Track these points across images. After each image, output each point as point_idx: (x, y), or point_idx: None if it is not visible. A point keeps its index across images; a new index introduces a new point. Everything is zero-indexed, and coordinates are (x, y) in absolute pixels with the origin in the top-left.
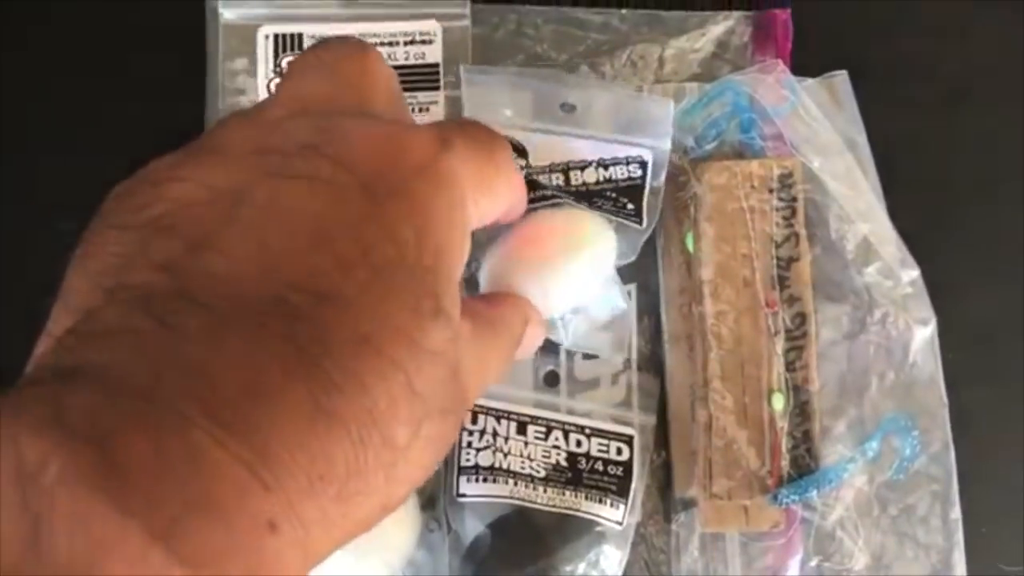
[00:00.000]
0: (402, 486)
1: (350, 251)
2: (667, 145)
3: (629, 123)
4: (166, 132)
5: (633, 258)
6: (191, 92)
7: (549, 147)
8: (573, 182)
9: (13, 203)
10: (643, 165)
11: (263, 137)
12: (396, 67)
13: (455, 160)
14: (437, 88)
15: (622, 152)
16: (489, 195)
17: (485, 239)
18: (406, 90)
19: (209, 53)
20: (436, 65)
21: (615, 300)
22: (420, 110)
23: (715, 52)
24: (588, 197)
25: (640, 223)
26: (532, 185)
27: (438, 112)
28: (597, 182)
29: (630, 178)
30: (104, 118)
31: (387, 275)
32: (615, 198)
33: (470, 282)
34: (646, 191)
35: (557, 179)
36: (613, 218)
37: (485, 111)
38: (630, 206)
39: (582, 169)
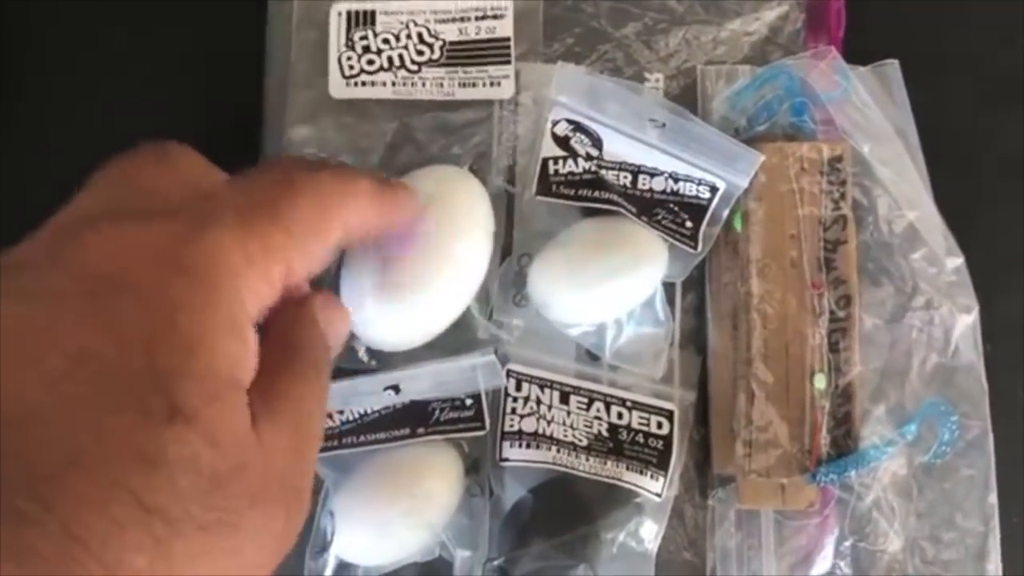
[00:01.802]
0: None
1: (57, 364)
2: (743, 183)
3: (712, 154)
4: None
5: (681, 279)
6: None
7: (625, 147)
8: (640, 186)
9: None
10: (714, 190)
11: (27, 254)
12: (467, 42)
13: (215, 235)
14: (508, 62)
15: (696, 173)
16: (306, 243)
17: (539, 233)
18: (477, 64)
19: (271, 31)
20: (507, 39)
21: (656, 314)
22: (491, 84)
23: (768, 36)
24: (650, 206)
25: (695, 247)
26: (597, 183)
27: (509, 86)
28: (664, 191)
29: (697, 197)
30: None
31: (105, 383)
32: (676, 212)
33: (519, 276)
34: (708, 215)
35: (625, 179)
36: (669, 238)
37: (568, 97)
38: (688, 224)
39: (652, 175)
